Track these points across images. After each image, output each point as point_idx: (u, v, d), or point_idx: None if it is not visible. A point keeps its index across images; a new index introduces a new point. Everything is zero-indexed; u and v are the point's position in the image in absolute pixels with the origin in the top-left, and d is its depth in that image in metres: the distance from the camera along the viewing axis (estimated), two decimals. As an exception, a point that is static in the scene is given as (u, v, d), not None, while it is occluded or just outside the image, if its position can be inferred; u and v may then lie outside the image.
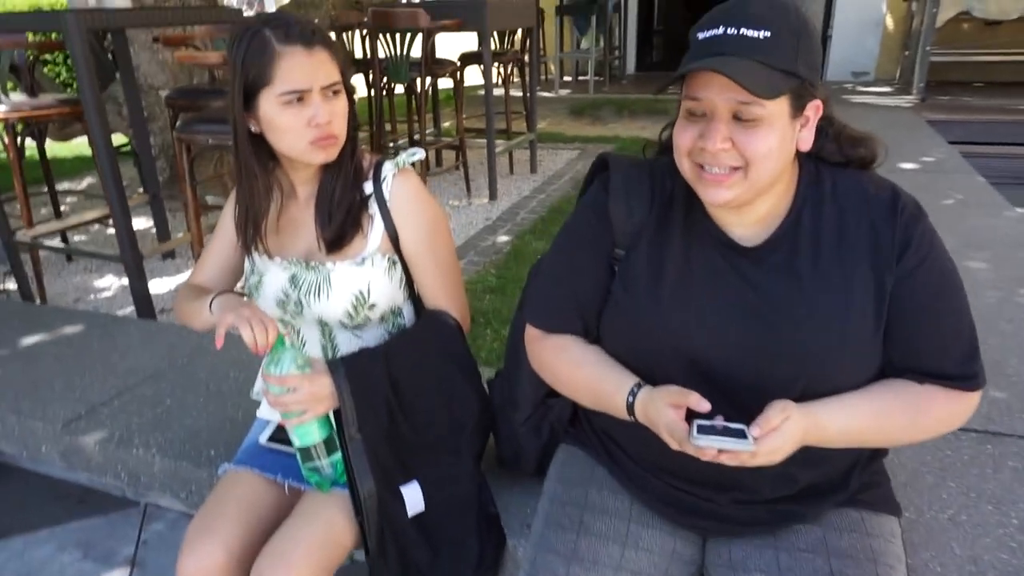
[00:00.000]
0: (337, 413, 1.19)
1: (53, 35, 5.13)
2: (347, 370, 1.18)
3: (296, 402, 1.13)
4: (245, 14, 3.11)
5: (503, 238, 3.49)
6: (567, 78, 8.23)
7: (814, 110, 0.92)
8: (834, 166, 1.00)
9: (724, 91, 0.86)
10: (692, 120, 0.92)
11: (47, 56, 7.28)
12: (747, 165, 0.89)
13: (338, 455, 1.22)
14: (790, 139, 0.91)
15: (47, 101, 3.20)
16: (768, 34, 0.85)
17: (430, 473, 1.27)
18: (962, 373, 0.95)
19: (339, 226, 1.26)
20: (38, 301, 3.01)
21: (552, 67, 7.81)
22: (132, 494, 1.89)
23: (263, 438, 1.40)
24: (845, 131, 1.01)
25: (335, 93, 1.19)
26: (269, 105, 1.16)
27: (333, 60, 1.18)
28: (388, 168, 1.30)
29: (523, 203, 4.10)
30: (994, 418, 1.62)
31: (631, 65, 8.81)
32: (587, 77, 7.38)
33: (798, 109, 0.90)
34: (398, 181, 1.29)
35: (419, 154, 1.33)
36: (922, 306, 0.94)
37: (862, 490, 1.06)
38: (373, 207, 1.29)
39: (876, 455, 1.08)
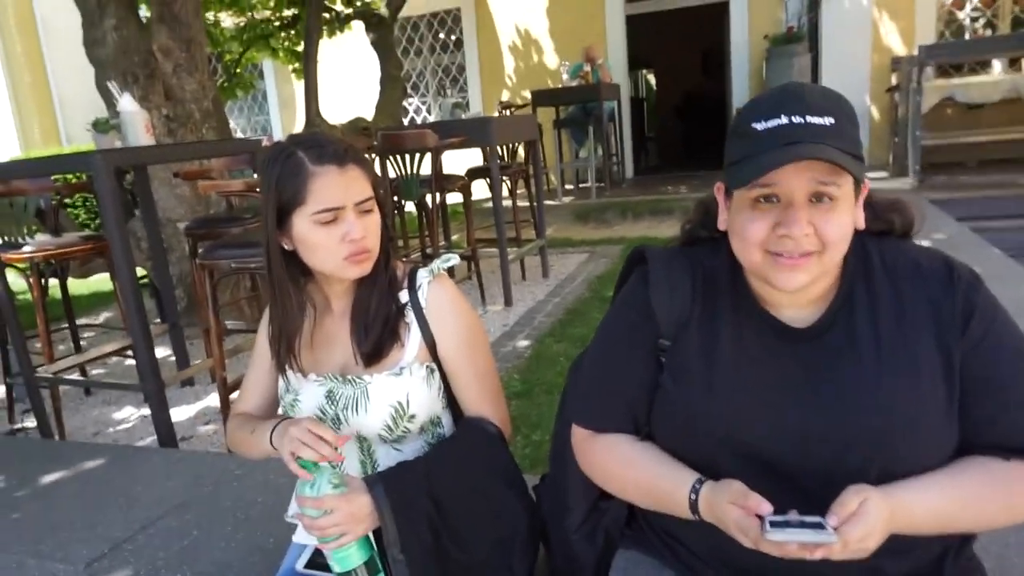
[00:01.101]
0: (378, 532, 1.12)
1: (74, 179, 5.37)
2: (386, 487, 1.12)
3: (334, 525, 1.07)
4: (264, 144, 3.25)
5: (523, 343, 3.47)
6: (568, 186, 8.49)
7: (864, 190, 0.92)
8: (875, 236, 0.99)
9: (802, 172, 0.85)
10: (760, 209, 0.89)
11: (67, 200, 7.59)
12: (823, 248, 0.87)
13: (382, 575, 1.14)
14: (853, 221, 0.90)
15: (71, 239, 3.29)
16: (832, 121, 0.85)
17: None
18: None
19: (376, 339, 1.24)
20: (57, 437, 2.96)
21: (553, 177, 8.07)
22: (154, 638, 1.77)
23: (300, 564, 1.32)
24: (874, 197, 0.99)
25: (368, 210, 1.20)
26: (303, 224, 1.17)
27: (365, 177, 1.20)
28: (423, 275, 1.29)
29: (539, 307, 4.11)
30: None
31: (629, 170, 9.10)
32: (588, 184, 7.60)
33: (857, 191, 0.90)
34: (434, 288, 1.29)
35: (453, 260, 1.34)
36: (997, 376, 0.90)
37: (957, 580, 0.98)
38: (409, 315, 1.27)
39: (967, 540, 1.00)
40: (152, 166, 3.66)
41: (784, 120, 0.85)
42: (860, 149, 0.88)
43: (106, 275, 3.91)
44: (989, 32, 7.22)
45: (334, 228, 1.16)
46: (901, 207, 1.01)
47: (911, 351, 0.91)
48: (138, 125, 2.79)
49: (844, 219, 0.88)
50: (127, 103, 2.73)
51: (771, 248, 0.88)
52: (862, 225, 0.92)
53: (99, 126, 2.85)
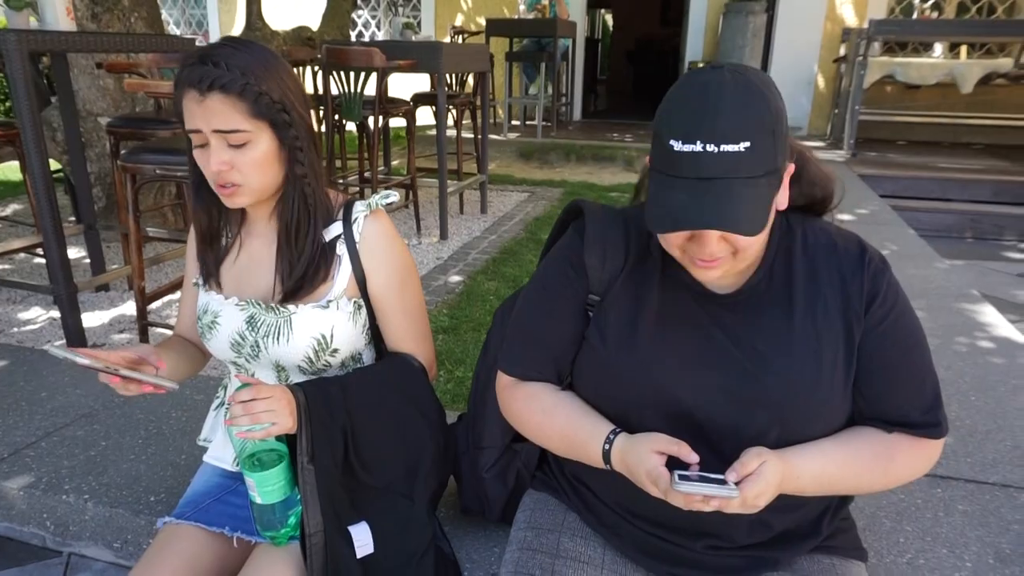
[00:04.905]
0: (292, 447, 1.12)
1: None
2: (305, 393, 1.12)
3: (267, 411, 1.05)
4: (198, 43, 3.05)
5: (455, 278, 3.47)
6: (515, 122, 8.36)
7: (787, 172, 0.93)
8: (797, 211, 1.03)
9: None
10: None
11: (-26, 77, 6.97)
12: (736, 252, 0.90)
13: (298, 509, 1.15)
14: (772, 209, 0.91)
15: (-23, 123, 3.04)
16: (748, 144, 0.83)
17: (380, 516, 1.20)
18: (926, 421, 0.98)
19: (299, 280, 1.21)
20: (-45, 334, 2.81)
21: (501, 111, 7.93)
22: (54, 544, 1.75)
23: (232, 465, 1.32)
24: (808, 166, 1.02)
25: (237, 143, 1.10)
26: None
27: (237, 109, 1.08)
28: (359, 209, 1.25)
29: (474, 243, 4.10)
30: (940, 462, 1.68)
31: (577, 112, 9.03)
32: (535, 122, 7.51)
33: (777, 183, 0.90)
34: (369, 223, 1.25)
35: (392, 197, 1.30)
36: (889, 357, 0.97)
37: (833, 536, 1.07)
38: (341, 247, 1.24)
39: (845, 501, 1.09)
40: (73, 53, 3.40)
41: (699, 147, 0.83)
42: (776, 159, 0.87)
43: (15, 163, 3.63)
44: (935, 15, 7.40)
45: (202, 153, 1.12)
46: (823, 181, 1.04)
47: (818, 325, 0.96)
48: (58, 6, 2.57)
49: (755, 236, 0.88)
50: (46, -21, 2.50)
51: (687, 251, 0.92)
52: (784, 205, 0.94)
53: (12, 2, 2.60)
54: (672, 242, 0.92)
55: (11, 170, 5.98)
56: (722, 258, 0.90)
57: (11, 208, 4.85)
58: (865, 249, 1.00)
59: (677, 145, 0.84)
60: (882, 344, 0.96)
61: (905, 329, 0.98)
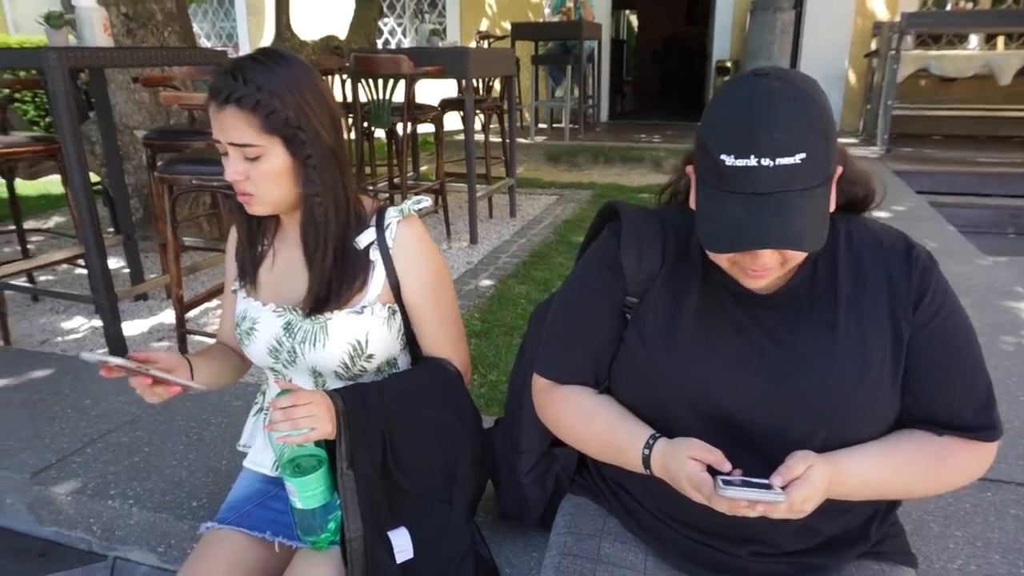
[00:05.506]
0: (332, 453, 1.13)
1: (25, 73, 5.07)
2: (344, 401, 1.13)
3: (307, 416, 1.06)
4: (229, 55, 3.10)
5: (486, 282, 3.47)
6: (542, 125, 8.36)
7: (836, 175, 0.90)
8: (839, 209, 1.00)
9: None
10: None
11: (15, 94, 7.19)
12: (786, 262, 0.89)
13: (338, 514, 1.15)
14: (828, 217, 0.89)
15: (20, 139, 3.13)
16: (804, 155, 0.80)
17: (418, 521, 1.21)
18: (980, 424, 0.95)
19: (324, 290, 1.22)
20: (1, 342, 2.89)
21: (528, 115, 7.94)
22: (100, 548, 1.78)
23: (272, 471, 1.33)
24: (848, 164, 0.99)
25: (251, 156, 1.12)
26: None
27: (249, 123, 1.10)
28: (392, 215, 1.26)
29: (504, 247, 4.10)
30: (991, 465, 1.62)
31: (604, 113, 9.00)
32: (562, 125, 7.50)
33: (831, 189, 0.88)
34: (402, 228, 1.26)
35: (424, 202, 1.30)
36: (939, 356, 0.94)
37: (881, 541, 1.05)
38: (375, 253, 1.25)
39: (893, 505, 1.07)
40: (110, 68, 3.48)
41: (753, 162, 0.81)
42: (831, 165, 0.85)
43: (56, 177, 3.74)
44: (970, 5, 7.23)
45: (225, 160, 1.15)
46: (864, 180, 1.01)
47: (864, 324, 0.94)
48: (95, 23, 2.63)
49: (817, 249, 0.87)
50: (84, -3, 2.56)
51: (737, 262, 0.90)
52: (833, 207, 0.91)
53: (52, 20, 2.67)
54: (722, 259, 0.91)
55: (52, 184, 6.15)
56: (773, 267, 0.88)
57: (53, 220, 4.99)
58: (912, 246, 0.97)
59: (729, 160, 0.82)
60: (931, 343, 0.94)
61: (955, 327, 0.95)
